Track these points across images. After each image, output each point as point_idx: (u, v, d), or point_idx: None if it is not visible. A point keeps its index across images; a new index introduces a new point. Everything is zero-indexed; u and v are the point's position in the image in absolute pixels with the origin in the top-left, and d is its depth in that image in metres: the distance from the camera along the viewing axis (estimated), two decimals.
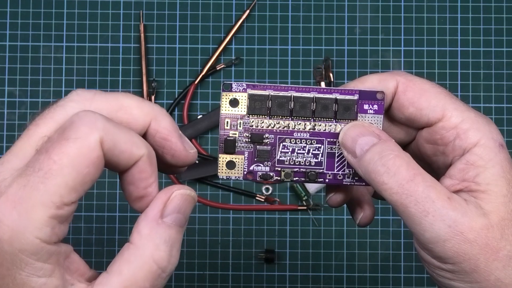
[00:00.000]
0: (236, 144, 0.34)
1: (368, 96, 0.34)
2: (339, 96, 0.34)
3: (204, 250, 0.66)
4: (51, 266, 0.26)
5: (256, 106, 0.33)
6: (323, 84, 0.66)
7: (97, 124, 0.26)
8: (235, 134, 0.34)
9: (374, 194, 0.37)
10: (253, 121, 0.34)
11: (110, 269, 0.27)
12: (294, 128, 0.34)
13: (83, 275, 0.27)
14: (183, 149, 0.30)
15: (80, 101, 0.27)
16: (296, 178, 0.34)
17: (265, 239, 0.66)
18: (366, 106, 0.34)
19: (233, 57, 0.67)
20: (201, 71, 0.67)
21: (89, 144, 0.25)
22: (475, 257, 0.29)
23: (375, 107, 0.34)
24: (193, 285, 0.65)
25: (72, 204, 0.26)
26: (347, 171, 0.34)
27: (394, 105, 0.34)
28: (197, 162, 0.66)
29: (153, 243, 0.27)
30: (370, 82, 0.34)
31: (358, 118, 0.34)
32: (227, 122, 0.33)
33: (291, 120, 0.34)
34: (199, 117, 0.66)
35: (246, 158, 0.34)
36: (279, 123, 0.34)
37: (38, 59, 0.67)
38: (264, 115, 0.34)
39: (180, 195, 0.29)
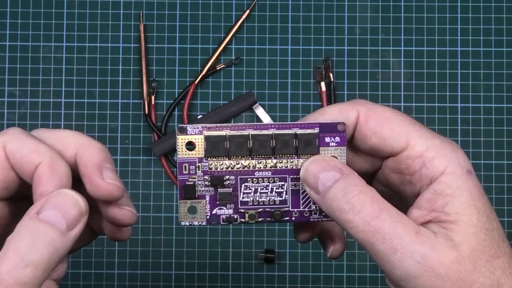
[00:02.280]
0: (196, 188, 0.33)
1: (329, 128, 0.33)
2: (298, 131, 0.33)
3: (204, 250, 0.66)
4: None
5: (214, 148, 0.32)
6: (323, 84, 0.66)
7: (8, 131, 0.29)
8: (194, 178, 0.33)
9: None
10: (211, 164, 0.33)
11: None
12: (255, 168, 0.33)
13: None
14: (98, 177, 0.30)
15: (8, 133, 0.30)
16: (261, 219, 0.33)
17: (265, 239, 0.66)
18: (327, 139, 0.33)
19: (233, 57, 0.67)
20: (201, 71, 0.67)
21: None
22: None
23: (337, 139, 0.33)
24: (193, 285, 0.65)
25: None
26: (313, 207, 0.33)
27: (357, 136, 0.33)
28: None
29: (18, 233, 0.27)
30: (330, 114, 0.33)
31: (321, 152, 0.33)
32: (185, 166, 0.33)
33: (251, 159, 0.33)
34: (199, 117, 0.66)
35: (207, 202, 0.33)
36: (239, 163, 0.33)
37: (38, 59, 0.67)
38: (223, 157, 0.33)
39: (60, 194, 0.28)
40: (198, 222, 0.33)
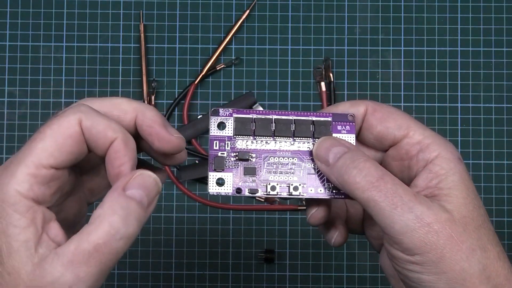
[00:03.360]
0: (225, 162, 0.36)
1: (340, 118, 0.37)
2: (315, 118, 0.37)
3: (204, 250, 0.66)
4: (27, 220, 0.29)
5: (242, 128, 0.37)
6: (323, 84, 0.66)
7: (80, 108, 0.32)
8: (224, 154, 0.37)
9: (347, 224, 0.40)
10: (239, 142, 0.37)
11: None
12: (276, 147, 0.37)
13: (58, 242, 0.30)
14: (166, 133, 0.34)
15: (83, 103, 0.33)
16: (281, 192, 0.37)
17: (265, 239, 0.66)
18: (339, 127, 0.37)
19: (233, 57, 0.67)
20: (201, 71, 0.67)
21: (68, 121, 0.32)
22: (441, 246, 0.32)
23: (347, 127, 0.37)
24: (193, 285, 0.65)
25: (50, 169, 0.31)
26: (326, 185, 0.37)
27: (364, 126, 0.37)
28: (196, 162, 0.66)
29: (111, 208, 0.30)
30: (343, 106, 0.38)
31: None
32: (216, 143, 0.37)
33: (274, 140, 0.37)
34: (199, 117, 0.66)
35: (234, 175, 0.37)
36: (262, 142, 0.37)
37: (38, 59, 0.67)
38: (249, 135, 0.37)
39: (144, 175, 0.32)
40: (225, 192, 0.36)
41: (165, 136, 0.34)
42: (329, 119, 0.37)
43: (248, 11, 0.67)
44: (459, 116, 0.67)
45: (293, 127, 0.37)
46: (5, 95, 0.67)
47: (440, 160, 0.35)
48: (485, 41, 0.68)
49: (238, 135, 0.37)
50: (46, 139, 0.31)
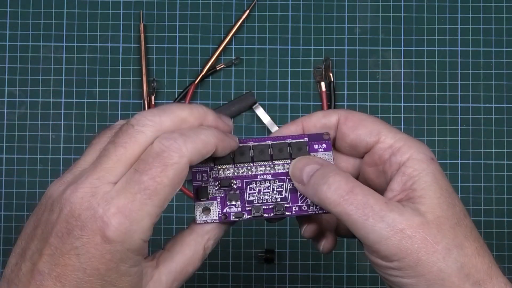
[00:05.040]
0: (208, 191, 0.38)
1: (316, 138, 0.39)
2: (290, 141, 0.39)
3: None
4: (141, 258, 0.33)
5: (221, 158, 0.38)
6: (323, 84, 0.66)
7: (184, 149, 0.32)
8: (207, 183, 0.38)
9: (337, 231, 0.42)
10: (220, 171, 0.38)
11: (171, 248, 0.36)
12: (257, 171, 0.38)
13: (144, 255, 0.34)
14: (226, 126, 0.36)
15: (152, 125, 0.33)
16: (266, 215, 0.38)
17: (265, 239, 0.66)
18: (316, 146, 0.39)
19: (233, 57, 0.67)
20: (201, 71, 0.67)
21: (182, 167, 0.32)
22: (416, 251, 0.33)
23: (324, 145, 0.38)
24: (193, 285, 0.65)
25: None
26: (310, 201, 0.38)
27: (338, 135, 0.38)
28: None
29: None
30: (316, 116, 0.39)
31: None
32: (198, 175, 0.38)
33: (253, 165, 0.38)
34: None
35: (219, 202, 0.38)
36: (243, 168, 0.38)
37: (38, 59, 0.67)
38: (229, 164, 0.38)
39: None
40: (212, 219, 0.38)
41: (226, 128, 0.36)
42: (306, 139, 0.39)
43: (248, 11, 0.67)
44: (459, 116, 0.67)
45: (270, 151, 0.38)
46: (5, 95, 0.67)
47: (412, 162, 0.35)
48: (485, 41, 0.67)
49: (219, 165, 0.38)
50: (166, 189, 0.32)
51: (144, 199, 0.31)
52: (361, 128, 0.37)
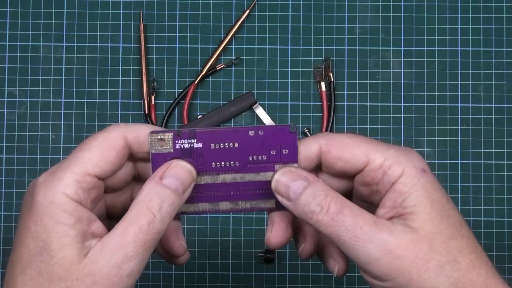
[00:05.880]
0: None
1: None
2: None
3: (204, 250, 0.66)
4: (74, 218, 0.32)
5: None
6: (323, 84, 0.66)
7: (120, 125, 0.35)
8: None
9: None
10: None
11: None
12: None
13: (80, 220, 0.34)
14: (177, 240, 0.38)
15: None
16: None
17: (265, 239, 0.66)
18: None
19: (233, 57, 0.67)
20: (201, 71, 0.67)
21: (113, 135, 0.35)
22: (408, 270, 0.32)
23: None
24: (193, 285, 0.65)
25: (94, 178, 0.34)
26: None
27: (325, 165, 0.37)
28: None
29: (149, 196, 0.34)
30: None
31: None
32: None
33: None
34: (199, 117, 0.66)
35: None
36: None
37: (38, 59, 0.67)
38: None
39: (179, 165, 0.35)
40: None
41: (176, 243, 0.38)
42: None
43: (248, 11, 0.67)
44: (459, 116, 0.67)
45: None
46: (5, 95, 0.67)
47: (403, 178, 0.34)
48: (485, 41, 0.67)
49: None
50: (92, 149, 0.34)
51: (69, 158, 0.34)
52: (347, 154, 0.36)
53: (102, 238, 0.33)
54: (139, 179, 0.39)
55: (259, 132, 0.36)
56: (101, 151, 0.34)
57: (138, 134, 0.36)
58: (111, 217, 0.39)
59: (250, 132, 0.36)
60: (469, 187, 0.66)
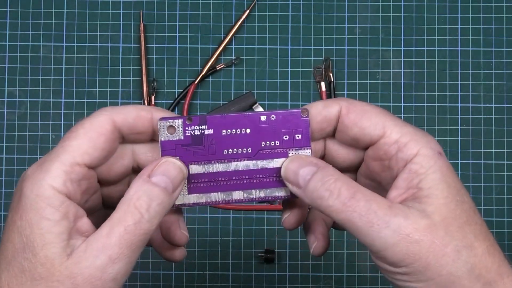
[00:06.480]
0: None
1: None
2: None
3: (204, 250, 0.66)
4: (60, 214, 0.31)
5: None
6: (323, 84, 0.66)
7: (106, 109, 0.34)
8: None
9: (334, 225, 0.39)
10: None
11: None
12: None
13: (89, 235, 0.32)
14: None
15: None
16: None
17: (265, 239, 0.66)
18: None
19: (233, 57, 0.67)
20: (201, 71, 0.67)
21: (99, 119, 0.33)
22: (425, 255, 0.31)
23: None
24: (193, 285, 0.65)
25: (83, 167, 0.32)
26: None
27: (340, 128, 0.36)
28: None
29: (137, 194, 0.32)
30: (315, 108, 0.36)
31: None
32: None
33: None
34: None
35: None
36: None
37: (38, 59, 0.67)
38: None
39: (168, 162, 0.34)
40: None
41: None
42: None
43: (248, 11, 0.67)
44: (459, 116, 0.67)
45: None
46: (5, 95, 0.67)
47: (419, 158, 0.33)
48: (485, 41, 0.67)
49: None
50: (79, 137, 0.33)
51: (56, 149, 0.33)
52: (365, 121, 0.35)
53: (87, 238, 0.32)
54: (139, 171, 0.36)
55: (271, 117, 0.35)
56: (89, 138, 0.33)
57: (126, 116, 0.34)
58: (109, 207, 0.37)
59: (261, 117, 0.35)
60: (469, 187, 0.66)
